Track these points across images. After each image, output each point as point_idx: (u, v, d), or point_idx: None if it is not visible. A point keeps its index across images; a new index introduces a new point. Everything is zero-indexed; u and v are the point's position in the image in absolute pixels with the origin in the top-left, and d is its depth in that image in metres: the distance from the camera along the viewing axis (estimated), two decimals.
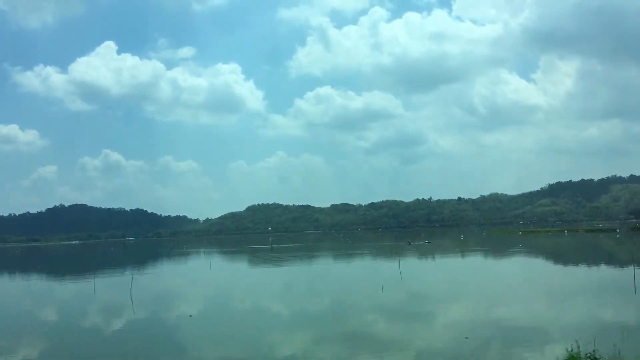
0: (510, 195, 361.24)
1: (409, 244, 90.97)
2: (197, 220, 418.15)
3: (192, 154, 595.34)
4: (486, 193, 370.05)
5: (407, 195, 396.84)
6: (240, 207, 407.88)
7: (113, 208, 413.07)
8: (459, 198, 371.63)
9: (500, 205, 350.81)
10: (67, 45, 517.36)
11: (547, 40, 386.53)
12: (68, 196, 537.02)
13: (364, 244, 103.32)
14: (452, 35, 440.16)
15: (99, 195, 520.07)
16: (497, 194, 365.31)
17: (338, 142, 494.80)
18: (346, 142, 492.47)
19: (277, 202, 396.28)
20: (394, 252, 68.67)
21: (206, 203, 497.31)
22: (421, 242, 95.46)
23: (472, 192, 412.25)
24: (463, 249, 78.33)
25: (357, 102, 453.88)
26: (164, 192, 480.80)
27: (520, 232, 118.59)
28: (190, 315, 27.56)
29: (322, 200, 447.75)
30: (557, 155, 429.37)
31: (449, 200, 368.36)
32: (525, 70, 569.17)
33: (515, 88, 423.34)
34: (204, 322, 26.49)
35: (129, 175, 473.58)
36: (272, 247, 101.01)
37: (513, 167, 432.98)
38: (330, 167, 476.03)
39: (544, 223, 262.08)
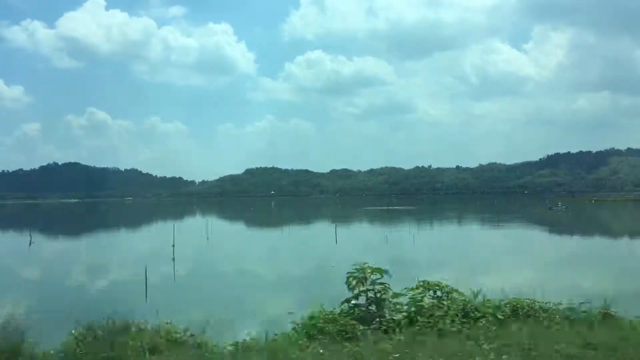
0: (508, 165, 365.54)
1: (550, 209, 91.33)
2: (192, 182, 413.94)
3: (179, 115, 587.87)
4: (478, 162, 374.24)
5: (395, 162, 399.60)
6: (232, 170, 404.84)
7: (108, 167, 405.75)
8: (458, 166, 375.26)
9: (499, 175, 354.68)
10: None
11: (542, 10, 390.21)
12: (52, 154, 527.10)
13: (488, 210, 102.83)
14: (448, 2, 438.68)
15: (83, 153, 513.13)
16: (495, 163, 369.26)
17: (328, 107, 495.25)
18: (336, 108, 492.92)
19: (275, 166, 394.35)
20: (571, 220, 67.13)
21: (194, 165, 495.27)
22: (559, 208, 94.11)
23: (461, 160, 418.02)
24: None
25: (348, 67, 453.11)
26: (149, 153, 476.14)
27: (593, 201, 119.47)
28: None
29: (311, 164, 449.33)
30: (545, 126, 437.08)
31: (448, 168, 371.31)
32: (518, 41, 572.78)
33: (507, 58, 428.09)
34: None
35: (114, 134, 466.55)
36: (387, 209, 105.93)
37: (502, 137, 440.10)
38: (319, 133, 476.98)
39: (549, 193, 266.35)
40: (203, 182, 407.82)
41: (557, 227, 61.19)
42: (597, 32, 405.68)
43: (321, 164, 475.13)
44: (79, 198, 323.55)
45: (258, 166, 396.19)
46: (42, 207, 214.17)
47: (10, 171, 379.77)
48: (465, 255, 37.70)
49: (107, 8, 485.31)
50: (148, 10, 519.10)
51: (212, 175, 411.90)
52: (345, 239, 45.66)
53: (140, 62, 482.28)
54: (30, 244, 46.87)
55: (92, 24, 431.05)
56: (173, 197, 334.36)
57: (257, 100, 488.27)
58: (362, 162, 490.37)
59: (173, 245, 36.66)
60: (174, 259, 33.46)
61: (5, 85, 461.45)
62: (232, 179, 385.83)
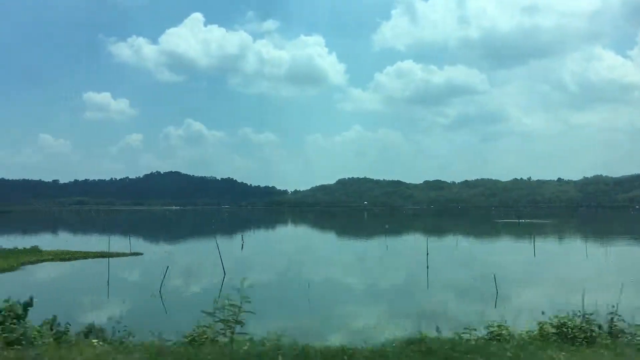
0: (615, 178, 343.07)
1: None
2: (285, 192, 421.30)
3: (270, 126, 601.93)
4: (580, 174, 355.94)
5: (490, 173, 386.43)
6: (323, 180, 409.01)
7: (205, 176, 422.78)
8: (559, 179, 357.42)
9: (605, 188, 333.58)
10: (158, 17, 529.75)
11: None
12: (151, 163, 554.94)
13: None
14: (545, 8, 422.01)
15: (179, 162, 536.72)
16: (601, 175, 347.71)
17: (416, 117, 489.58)
18: (424, 118, 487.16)
19: (367, 177, 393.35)
20: None
21: (286, 174, 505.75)
22: None
23: (562, 172, 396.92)
24: None
25: (439, 76, 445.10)
26: (241, 162, 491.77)
27: None
28: None
29: (401, 175, 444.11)
30: None
31: (548, 180, 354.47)
32: (622, 47, 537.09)
33: (609, 65, 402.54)
34: None
35: (209, 145, 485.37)
36: (519, 222, 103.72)
37: (605, 148, 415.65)
38: (407, 142, 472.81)
39: None
40: (295, 191, 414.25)
41: None
42: None
43: (411, 175, 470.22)
44: (179, 205, 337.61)
45: (349, 176, 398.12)
46: (162, 213, 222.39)
47: (117, 179, 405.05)
48: None
49: (205, 24, 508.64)
50: (244, 25, 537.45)
51: (304, 185, 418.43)
52: (538, 252, 43.20)
53: (235, 75, 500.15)
54: (242, 247, 49.11)
55: (191, 39, 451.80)
56: (267, 206, 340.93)
57: (345, 110, 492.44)
58: (454, 173, 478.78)
59: (427, 253, 36.78)
60: (428, 267, 33.84)
61: (112, 98, 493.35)
62: (324, 188, 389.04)
